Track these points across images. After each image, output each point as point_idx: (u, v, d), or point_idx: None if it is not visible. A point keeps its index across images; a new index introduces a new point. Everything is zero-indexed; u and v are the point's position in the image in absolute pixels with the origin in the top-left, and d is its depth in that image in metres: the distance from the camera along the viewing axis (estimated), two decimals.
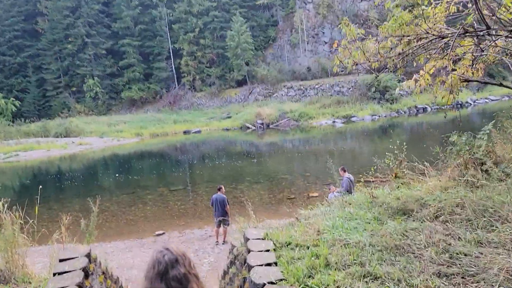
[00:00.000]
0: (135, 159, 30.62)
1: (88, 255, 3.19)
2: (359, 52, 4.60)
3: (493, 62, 5.56)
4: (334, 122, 39.39)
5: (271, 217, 12.09)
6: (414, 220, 3.69)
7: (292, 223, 4.05)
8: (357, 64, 4.89)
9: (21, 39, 60.33)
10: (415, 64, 5.71)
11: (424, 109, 41.44)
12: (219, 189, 10.71)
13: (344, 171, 10.23)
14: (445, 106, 41.70)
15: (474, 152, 5.23)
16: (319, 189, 15.13)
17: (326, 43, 56.23)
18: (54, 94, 59.35)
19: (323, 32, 56.71)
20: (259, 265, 2.76)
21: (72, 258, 3.11)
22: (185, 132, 44.20)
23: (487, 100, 43.07)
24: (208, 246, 10.45)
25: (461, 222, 3.58)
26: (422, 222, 3.64)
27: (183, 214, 13.87)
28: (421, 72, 5.80)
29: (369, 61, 4.72)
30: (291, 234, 3.48)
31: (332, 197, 10.12)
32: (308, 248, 3.13)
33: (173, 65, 59.24)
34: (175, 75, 59.26)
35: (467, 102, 42.39)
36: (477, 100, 43.20)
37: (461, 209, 3.84)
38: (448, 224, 3.56)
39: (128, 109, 57.83)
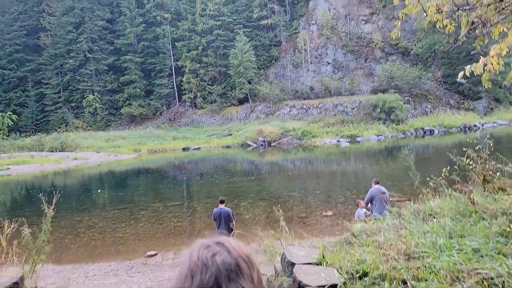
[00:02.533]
0: (132, 175, 29.16)
1: (13, 287, 1.67)
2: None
3: None
4: (338, 141, 38.16)
5: (282, 237, 10.64)
6: None
7: (347, 241, 2.72)
8: (440, 12, 3.60)
9: (22, 53, 59.77)
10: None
11: (431, 131, 40.32)
12: (222, 202, 9.17)
13: (377, 183, 8.76)
14: (453, 129, 40.71)
15: None
16: (333, 208, 13.69)
17: (329, 63, 55.74)
18: (52, 109, 58.25)
19: (327, 53, 56.29)
20: None
21: None
22: (184, 149, 42.86)
23: (495, 124, 41.99)
24: None
25: None
26: None
27: (180, 232, 12.38)
28: (492, 52, 4.46)
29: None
30: (360, 258, 2.16)
31: (362, 214, 8.72)
32: (404, 283, 1.82)
33: (174, 82, 58.49)
34: (176, 92, 58.41)
35: (475, 126, 41.34)
36: (485, 123, 42.10)
37: None
38: None
39: (127, 125, 56.67)
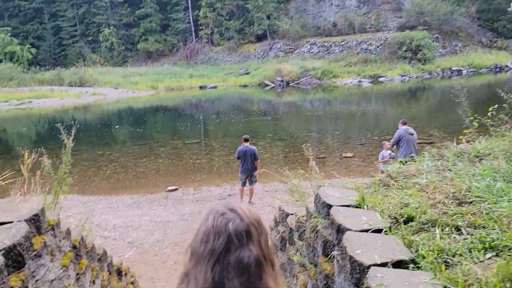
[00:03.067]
0: (150, 112, 29.34)
1: (34, 219, 1.62)
2: None
3: None
4: (360, 81, 37.02)
5: (303, 178, 10.66)
6: None
7: (383, 182, 2.55)
8: None
9: None
10: None
11: (459, 72, 38.51)
12: (246, 140, 9.07)
13: (404, 124, 8.35)
14: (483, 69, 38.78)
15: None
16: (353, 149, 13.53)
17: None
18: (70, 43, 57.78)
19: None
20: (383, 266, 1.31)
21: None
22: (201, 87, 42.47)
23: None
24: None
25: None
26: None
27: (199, 169, 12.55)
28: None
29: None
30: (402, 201, 1.99)
31: (387, 155, 8.54)
32: (457, 230, 1.65)
33: (191, 16, 56.41)
34: (192, 28, 56.57)
35: (506, 66, 39.20)
36: None
37: None
38: None
39: (144, 62, 56.03)
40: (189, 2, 56.23)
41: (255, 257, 0.97)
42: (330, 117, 22.44)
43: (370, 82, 36.57)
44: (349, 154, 12.94)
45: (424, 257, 1.46)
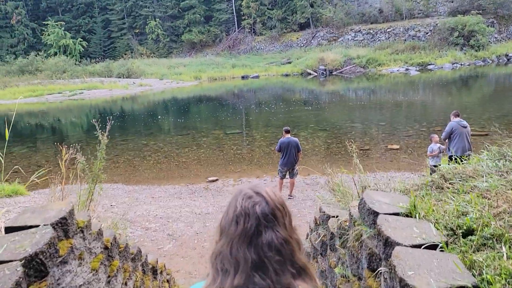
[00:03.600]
0: (193, 102, 29.83)
1: (61, 223, 1.51)
2: None
3: None
4: (407, 69, 35.36)
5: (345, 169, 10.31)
6: None
7: (436, 184, 2.29)
8: None
9: None
10: None
11: None
12: (288, 132, 8.87)
13: (457, 116, 7.76)
14: None
15: None
16: (399, 141, 12.93)
17: None
18: (118, 36, 60.12)
19: None
20: None
21: (23, 228, 1.50)
22: (243, 77, 42.56)
23: None
24: None
25: None
26: None
27: (239, 160, 12.55)
28: None
29: None
30: (460, 209, 1.75)
31: (436, 149, 8.03)
32: None
33: (233, 7, 56.51)
34: (235, 18, 56.68)
35: None
36: None
37: None
38: None
39: (188, 53, 57.07)
40: None
41: (283, 237, 1.05)
42: (374, 107, 21.62)
43: (418, 70, 34.82)
44: (395, 146, 12.37)
45: (490, 283, 1.24)
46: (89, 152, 4.29)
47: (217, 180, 10.73)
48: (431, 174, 8.29)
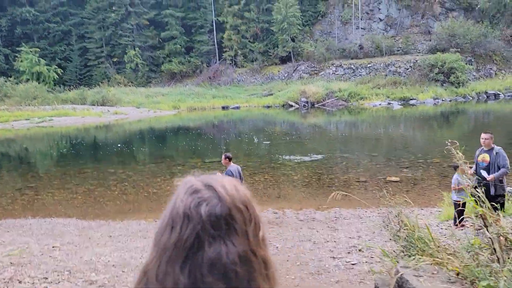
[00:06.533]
0: (171, 131, 28.25)
1: None
2: None
3: None
4: (389, 104, 35.14)
5: (344, 205, 8.91)
6: None
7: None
8: None
9: (66, 6, 59.60)
10: None
11: (496, 96, 36.18)
12: (230, 159, 7.45)
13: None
14: None
15: None
16: (397, 173, 11.69)
17: (381, 20, 51.18)
18: (95, 64, 58.58)
19: (379, 9, 51.58)
20: None
21: None
22: (223, 108, 41.50)
23: None
24: None
25: None
26: None
27: None
28: None
29: None
30: None
31: (460, 180, 6.68)
32: None
33: (215, 39, 56.42)
34: (216, 50, 56.46)
35: None
36: None
37: None
38: None
39: (167, 83, 55.99)
40: (214, 25, 56.35)
41: (240, 253, 0.67)
42: (363, 138, 20.63)
43: (401, 105, 34.64)
44: (394, 178, 11.11)
45: None
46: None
47: None
48: (455, 209, 6.95)
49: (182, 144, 21.53)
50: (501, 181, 6.04)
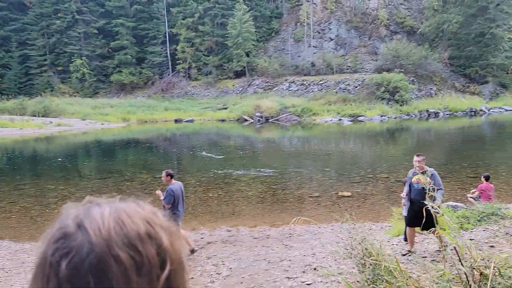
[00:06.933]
0: (119, 144, 26.97)
1: None
2: None
3: None
4: (340, 120, 36.24)
5: (297, 221, 8.69)
6: None
7: None
8: None
9: (6, 11, 55.80)
10: None
11: (436, 114, 38.59)
12: (172, 176, 7.05)
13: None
14: (459, 112, 39.11)
15: None
16: (349, 188, 11.79)
17: (331, 39, 53.22)
18: (37, 72, 55.04)
19: (330, 29, 53.67)
20: None
21: None
22: (176, 121, 40.59)
23: (501, 110, 40.47)
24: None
25: None
26: None
27: None
28: None
29: None
30: None
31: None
32: None
33: (168, 50, 55.49)
34: (169, 61, 55.48)
35: (481, 110, 39.74)
36: (491, 109, 40.56)
37: None
38: None
39: (116, 94, 53.94)
40: (167, 37, 55.49)
41: None
42: (315, 154, 20.89)
43: (350, 121, 35.86)
44: (346, 193, 11.19)
45: None
46: None
47: None
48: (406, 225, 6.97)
49: (131, 158, 20.54)
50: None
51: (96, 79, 54.52)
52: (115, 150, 24.03)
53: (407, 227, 6.33)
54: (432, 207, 5.89)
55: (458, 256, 2.14)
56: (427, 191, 5.92)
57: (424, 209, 5.77)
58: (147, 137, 31.12)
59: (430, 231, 5.41)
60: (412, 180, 6.10)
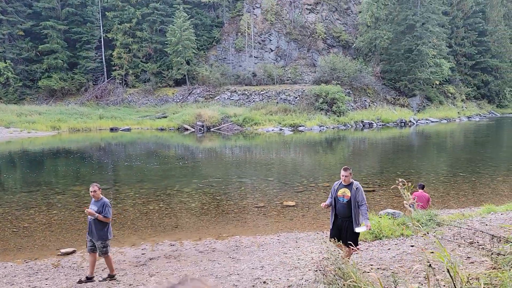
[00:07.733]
0: (48, 155, 24.94)
1: None
2: None
3: None
4: (281, 129, 36.91)
5: (243, 232, 8.56)
6: None
7: None
8: None
9: None
10: None
11: (370, 125, 40.86)
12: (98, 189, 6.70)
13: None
14: (390, 123, 41.75)
15: None
16: (293, 198, 11.88)
17: (272, 50, 54.40)
18: None
19: (270, 40, 54.85)
20: None
21: None
22: (112, 129, 38.64)
23: (427, 121, 44.00)
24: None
25: None
26: None
27: None
28: None
29: None
30: None
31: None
32: None
33: (103, 56, 52.88)
34: (105, 67, 52.85)
35: (410, 121, 42.84)
36: (419, 120, 43.94)
37: None
38: None
39: (45, 100, 50.12)
40: (102, 42, 52.95)
41: None
42: (257, 163, 20.95)
43: (291, 131, 36.68)
44: (290, 203, 11.26)
45: None
46: None
47: (74, 252, 7.78)
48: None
49: (62, 169, 19.03)
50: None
51: (22, 84, 50.30)
52: (43, 160, 22.17)
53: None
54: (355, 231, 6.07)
55: (452, 279, 2.11)
56: (353, 208, 5.86)
57: (346, 228, 5.77)
58: (80, 147, 29.18)
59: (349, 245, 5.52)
60: (338, 194, 5.96)
